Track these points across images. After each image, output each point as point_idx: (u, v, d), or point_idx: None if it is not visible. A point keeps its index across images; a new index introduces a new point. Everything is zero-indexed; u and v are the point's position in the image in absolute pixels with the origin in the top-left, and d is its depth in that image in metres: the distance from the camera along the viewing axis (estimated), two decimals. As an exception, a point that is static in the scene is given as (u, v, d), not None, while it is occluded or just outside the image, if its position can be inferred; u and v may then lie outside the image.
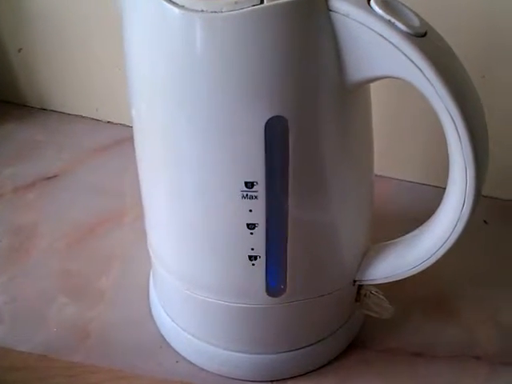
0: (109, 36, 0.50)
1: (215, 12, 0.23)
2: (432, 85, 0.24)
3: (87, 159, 0.53)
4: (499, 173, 0.44)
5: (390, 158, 0.49)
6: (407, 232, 0.33)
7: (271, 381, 0.35)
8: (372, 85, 0.29)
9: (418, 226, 0.32)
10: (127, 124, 0.56)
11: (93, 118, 0.58)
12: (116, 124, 0.57)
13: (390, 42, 0.23)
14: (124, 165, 0.51)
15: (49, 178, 0.51)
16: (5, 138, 0.55)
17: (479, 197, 0.28)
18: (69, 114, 0.59)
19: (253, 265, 0.30)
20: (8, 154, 0.53)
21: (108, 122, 0.58)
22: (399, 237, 0.33)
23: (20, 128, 0.57)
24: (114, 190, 0.49)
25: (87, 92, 0.57)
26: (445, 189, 0.29)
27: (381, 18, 0.23)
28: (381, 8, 0.23)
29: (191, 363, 0.36)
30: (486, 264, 0.43)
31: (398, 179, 0.51)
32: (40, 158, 0.53)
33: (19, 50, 0.56)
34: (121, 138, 0.55)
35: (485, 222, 0.46)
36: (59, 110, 0.59)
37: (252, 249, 0.29)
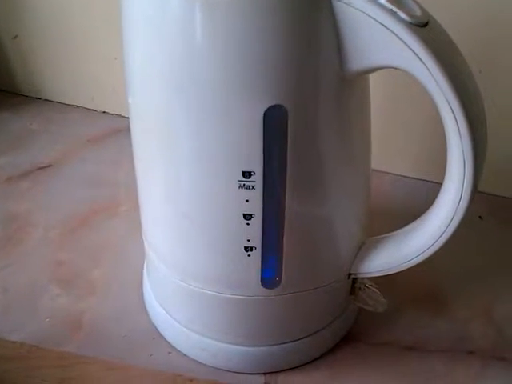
0: (106, 25, 0.50)
1: (215, -1, 0.23)
2: (432, 75, 0.24)
3: (82, 149, 0.53)
4: (495, 169, 0.44)
5: (385, 152, 0.49)
6: (402, 226, 0.33)
7: (264, 373, 0.35)
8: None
9: (412, 221, 0.32)
10: (122, 114, 0.56)
11: (88, 108, 0.58)
12: (111, 114, 0.57)
13: (392, 31, 0.23)
14: (118, 155, 0.51)
15: (43, 168, 0.50)
16: (-1, 127, 0.55)
17: (475, 192, 0.28)
18: (64, 104, 0.59)
19: (248, 256, 0.30)
20: (2, 143, 0.53)
21: (103, 112, 0.57)
22: (394, 231, 0.33)
23: (14, 117, 0.57)
24: (108, 181, 0.49)
25: (83, 81, 0.56)
26: (440, 184, 0.29)
27: (383, 6, 0.23)
28: (383, -3, 0.23)
29: (184, 355, 0.36)
30: (480, 259, 0.43)
31: (392, 174, 0.51)
32: (34, 148, 0.53)
33: (14, 38, 0.56)
34: (116, 128, 0.55)
35: (480, 217, 0.46)
36: (54, 99, 0.59)
37: (248, 240, 0.29)
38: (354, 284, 0.35)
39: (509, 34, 0.41)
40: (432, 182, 0.48)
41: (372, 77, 0.28)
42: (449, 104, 0.24)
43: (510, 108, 0.44)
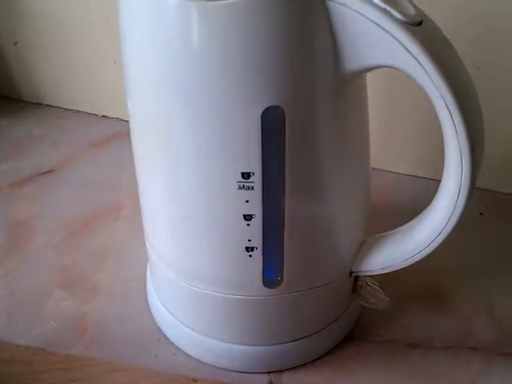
0: (104, 29, 0.50)
1: (211, 1, 0.23)
2: (427, 73, 0.24)
3: (83, 154, 0.53)
4: (495, 165, 0.45)
5: (386, 151, 0.49)
6: (402, 224, 0.33)
7: (268, 372, 0.35)
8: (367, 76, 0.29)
9: (412, 218, 0.32)
10: (123, 118, 0.56)
11: (88, 113, 0.58)
12: (111, 118, 0.57)
13: (386, 31, 0.23)
14: (119, 159, 0.51)
15: (45, 173, 0.51)
16: (0, 133, 0.55)
17: (474, 188, 0.28)
18: (64, 109, 0.59)
19: (250, 256, 0.30)
20: (4, 149, 0.54)
21: (103, 116, 0.58)
22: (395, 228, 0.33)
23: (16, 123, 0.57)
24: (109, 184, 0.49)
25: (83, 86, 0.57)
26: (440, 181, 0.29)
27: (376, 6, 0.23)
28: (377, -4, 0.23)
29: (188, 355, 0.36)
30: (481, 255, 0.43)
31: (393, 172, 0.51)
32: (36, 153, 0.53)
33: (15, 44, 0.56)
34: (116, 132, 0.55)
35: (480, 214, 0.47)
36: (55, 104, 0.59)
37: (249, 240, 0.29)
38: (356, 282, 0.35)
39: (506, 30, 0.42)
40: (432, 179, 0.48)
41: (370, 75, 0.28)
42: (444, 101, 0.24)
43: (509, 104, 0.45)
